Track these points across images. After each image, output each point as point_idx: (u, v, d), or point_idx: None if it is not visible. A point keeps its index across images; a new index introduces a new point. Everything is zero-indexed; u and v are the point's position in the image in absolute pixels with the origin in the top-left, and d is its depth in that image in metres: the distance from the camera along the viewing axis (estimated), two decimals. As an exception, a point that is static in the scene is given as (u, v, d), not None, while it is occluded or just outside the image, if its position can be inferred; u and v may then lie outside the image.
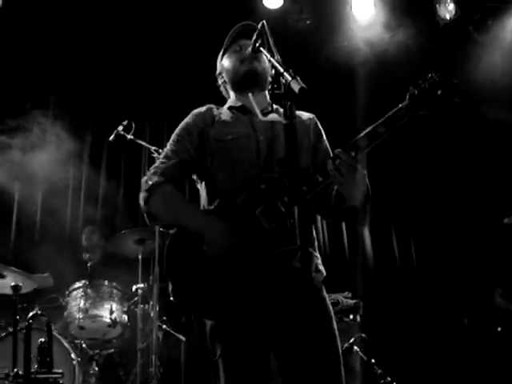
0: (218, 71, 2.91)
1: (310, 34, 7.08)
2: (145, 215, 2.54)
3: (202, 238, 2.35)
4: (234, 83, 2.78)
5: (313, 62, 6.83)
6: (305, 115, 2.76)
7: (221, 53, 2.88)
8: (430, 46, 6.91)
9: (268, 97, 2.80)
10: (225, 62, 2.82)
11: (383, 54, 6.80)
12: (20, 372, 3.49)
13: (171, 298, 2.35)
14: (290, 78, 2.06)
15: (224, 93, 2.92)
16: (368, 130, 2.29)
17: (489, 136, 7.31)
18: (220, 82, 2.91)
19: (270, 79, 2.76)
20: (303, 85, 2.01)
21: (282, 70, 2.12)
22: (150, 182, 2.52)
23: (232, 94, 2.84)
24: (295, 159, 2.00)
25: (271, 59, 2.28)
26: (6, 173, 6.07)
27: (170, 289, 2.35)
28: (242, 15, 6.26)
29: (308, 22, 7.06)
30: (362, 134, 2.29)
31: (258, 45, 2.43)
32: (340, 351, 2.38)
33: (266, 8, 6.66)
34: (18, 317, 3.98)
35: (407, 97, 2.29)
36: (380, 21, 6.87)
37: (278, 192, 2.34)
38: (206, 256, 2.32)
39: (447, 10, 7.01)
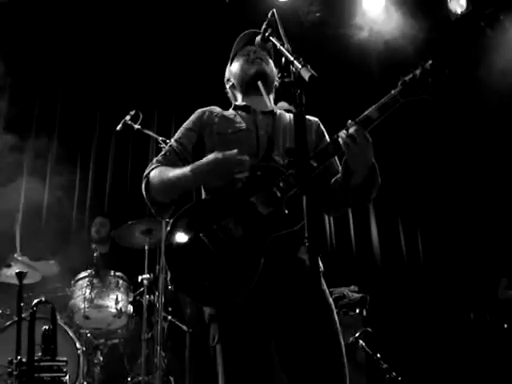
0: (226, 77, 2.94)
1: (320, 26, 7.06)
2: (149, 204, 2.56)
3: (199, 224, 2.36)
4: (243, 84, 2.80)
5: (323, 56, 6.79)
6: (309, 117, 2.77)
7: (229, 60, 2.91)
8: (441, 41, 6.86)
9: (272, 99, 2.82)
10: (233, 67, 2.86)
11: (393, 48, 6.76)
12: (23, 359, 3.49)
13: (169, 287, 2.37)
14: (300, 66, 2.04)
15: (231, 98, 2.94)
16: (361, 116, 2.33)
17: (495, 131, 7.29)
18: (228, 86, 2.93)
19: (276, 84, 2.81)
20: (313, 72, 1.99)
21: (291, 58, 2.11)
22: (147, 172, 2.58)
23: (239, 98, 2.86)
24: (305, 147, 1.98)
25: (281, 47, 2.26)
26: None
27: (169, 276, 2.36)
28: (251, 9, 6.33)
29: (317, 14, 7.03)
30: (355, 120, 2.32)
31: (267, 34, 2.40)
32: (342, 344, 2.36)
33: (275, 2, 6.62)
34: (22, 304, 3.97)
35: (399, 83, 2.34)
36: (390, 14, 6.84)
37: (273, 178, 2.36)
38: (204, 243, 2.32)
39: (458, 4, 6.97)
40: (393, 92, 2.33)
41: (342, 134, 2.31)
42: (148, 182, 2.55)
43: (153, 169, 2.58)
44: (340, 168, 2.48)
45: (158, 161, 2.62)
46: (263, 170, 2.43)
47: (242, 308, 2.28)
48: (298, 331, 2.29)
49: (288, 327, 2.32)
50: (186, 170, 2.42)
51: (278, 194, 2.34)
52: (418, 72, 2.31)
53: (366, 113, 2.32)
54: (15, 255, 5.12)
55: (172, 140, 2.71)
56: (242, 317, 2.30)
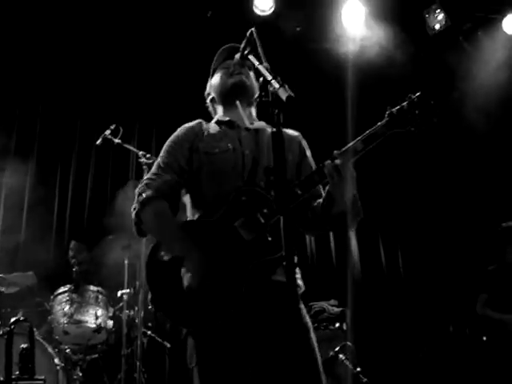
0: (206, 91, 2.94)
1: (300, 40, 7.10)
2: (134, 227, 2.54)
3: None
4: (222, 95, 2.80)
5: (303, 68, 6.84)
6: (290, 132, 2.77)
7: (210, 75, 2.91)
8: (419, 56, 6.93)
9: (254, 114, 2.83)
10: (213, 80, 2.86)
11: (373, 62, 6.81)
12: (1, 378, 3.45)
13: (149, 307, 2.38)
14: (277, 86, 2.05)
15: (212, 112, 2.94)
16: (347, 147, 2.34)
17: (472, 147, 7.37)
18: (208, 100, 2.93)
19: (256, 97, 2.80)
20: (291, 93, 2.01)
21: (269, 78, 2.12)
22: (144, 195, 2.51)
23: (220, 111, 2.85)
24: (283, 167, 2.00)
25: (259, 66, 2.27)
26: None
27: (150, 297, 2.36)
28: (232, 22, 6.35)
29: (298, 28, 7.08)
30: (341, 151, 2.33)
31: (246, 52, 2.41)
32: (319, 362, 2.36)
33: (256, 14, 6.67)
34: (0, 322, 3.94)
35: (386, 115, 2.35)
36: (370, 30, 6.89)
37: (258, 204, 2.37)
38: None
39: (437, 20, 7.05)
40: (379, 124, 2.35)
41: (328, 164, 2.31)
42: (142, 211, 2.50)
43: (150, 198, 2.50)
44: (323, 192, 2.50)
45: (156, 188, 2.53)
46: (248, 194, 2.43)
47: (220, 331, 2.28)
48: (275, 354, 2.28)
49: (266, 350, 2.30)
50: (178, 241, 2.40)
51: (262, 220, 2.34)
52: (405, 104, 2.33)
53: (352, 144, 2.33)
54: None
55: (163, 155, 2.65)
56: (221, 340, 2.29)
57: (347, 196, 2.39)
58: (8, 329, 3.64)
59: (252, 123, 2.74)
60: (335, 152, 2.32)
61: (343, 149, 2.33)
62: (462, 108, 6.81)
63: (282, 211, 1.91)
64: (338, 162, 2.29)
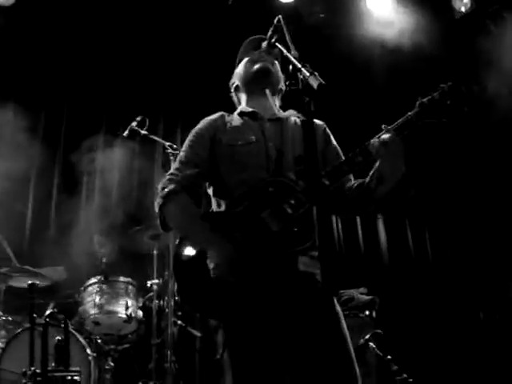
0: (231, 81, 2.94)
1: (324, 28, 7.05)
2: (158, 221, 2.56)
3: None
4: (247, 82, 2.80)
5: (327, 57, 6.77)
6: (314, 122, 2.72)
7: (236, 66, 2.91)
8: (446, 39, 6.83)
9: (278, 103, 2.83)
10: (238, 69, 2.87)
11: (398, 47, 6.74)
12: (37, 370, 3.49)
13: (176, 298, 2.39)
14: (307, 74, 2.04)
15: (236, 102, 2.94)
16: (377, 136, 2.33)
17: (500, 130, 7.25)
18: (232, 89, 2.93)
19: (281, 86, 2.80)
20: (321, 80, 1.99)
21: (299, 66, 2.10)
22: (166, 190, 2.53)
23: (244, 100, 2.85)
24: (314, 156, 1.99)
25: (288, 54, 2.25)
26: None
27: (176, 288, 2.38)
28: (256, 10, 6.32)
29: (321, 15, 7.03)
30: (372, 140, 2.32)
31: (273, 40, 2.40)
32: (352, 351, 2.35)
33: (279, 2, 6.65)
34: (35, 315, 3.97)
35: (416, 105, 2.33)
36: (395, 13, 6.83)
37: (285, 194, 2.35)
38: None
39: (462, 3, 6.96)
40: (410, 113, 2.33)
41: (374, 141, 2.32)
42: (165, 206, 2.51)
43: (173, 192, 2.51)
44: (351, 176, 2.48)
45: (178, 181, 2.54)
46: (275, 185, 2.42)
47: (250, 323, 2.28)
48: (307, 343, 2.28)
49: (298, 340, 2.30)
50: (202, 234, 2.40)
51: (289, 211, 2.32)
52: (436, 94, 2.31)
53: (381, 134, 2.32)
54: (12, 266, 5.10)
55: (185, 149, 2.67)
56: (251, 331, 2.28)
57: (397, 173, 2.38)
58: (43, 322, 3.68)
59: (277, 112, 2.73)
60: (384, 126, 2.33)
61: (393, 125, 2.33)
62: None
63: (311, 202, 1.90)
64: (385, 137, 2.29)
